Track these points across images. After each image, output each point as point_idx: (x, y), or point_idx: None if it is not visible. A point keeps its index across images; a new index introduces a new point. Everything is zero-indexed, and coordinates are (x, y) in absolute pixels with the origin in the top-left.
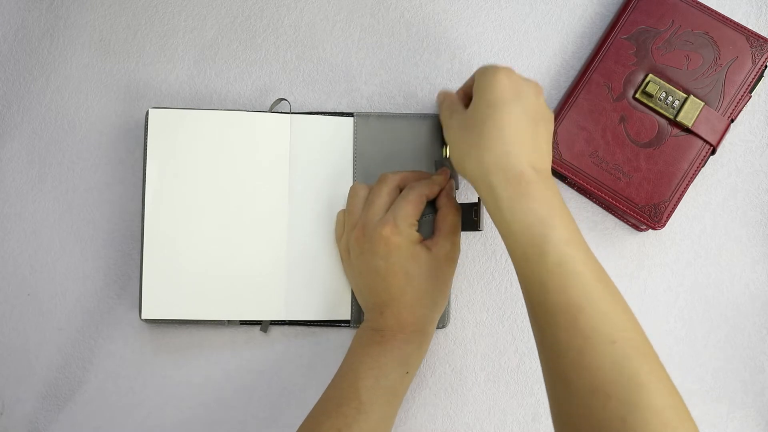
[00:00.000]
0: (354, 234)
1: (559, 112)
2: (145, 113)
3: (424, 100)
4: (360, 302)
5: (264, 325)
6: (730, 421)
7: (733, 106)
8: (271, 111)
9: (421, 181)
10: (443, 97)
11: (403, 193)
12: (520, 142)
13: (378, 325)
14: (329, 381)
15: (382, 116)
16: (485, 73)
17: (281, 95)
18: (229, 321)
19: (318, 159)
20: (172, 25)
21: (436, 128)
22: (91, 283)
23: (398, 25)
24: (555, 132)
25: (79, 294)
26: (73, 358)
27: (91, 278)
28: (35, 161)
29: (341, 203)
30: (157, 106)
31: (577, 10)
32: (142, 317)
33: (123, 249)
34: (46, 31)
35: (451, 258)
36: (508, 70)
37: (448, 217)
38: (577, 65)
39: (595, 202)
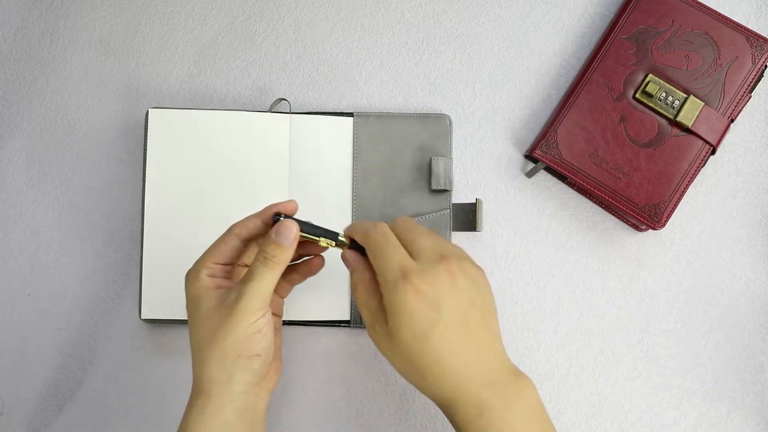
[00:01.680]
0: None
1: (559, 112)
2: (145, 113)
3: (424, 100)
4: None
5: None
6: (730, 421)
7: (733, 106)
8: (271, 111)
9: (265, 252)
10: (356, 280)
11: (251, 268)
12: (467, 364)
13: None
14: (329, 381)
15: (382, 116)
16: (393, 297)
17: (281, 95)
18: None
19: (318, 159)
20: (172, 25)
21: (436, 129)
22: (91, 283)
23: (398, 25)
24: (555, 132)
25: (79, 294)
26: (72, 358)
27: (91, 278)
28: (35, 161)
29: (341, 203)
30: (157, 106)
31: (577, 10)
32: (142, 317)
33: (123, 249)
34: (46, 31)
35: (226, 306)
36: (413, 282)
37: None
38: (577, 65)
39: (595, 202)
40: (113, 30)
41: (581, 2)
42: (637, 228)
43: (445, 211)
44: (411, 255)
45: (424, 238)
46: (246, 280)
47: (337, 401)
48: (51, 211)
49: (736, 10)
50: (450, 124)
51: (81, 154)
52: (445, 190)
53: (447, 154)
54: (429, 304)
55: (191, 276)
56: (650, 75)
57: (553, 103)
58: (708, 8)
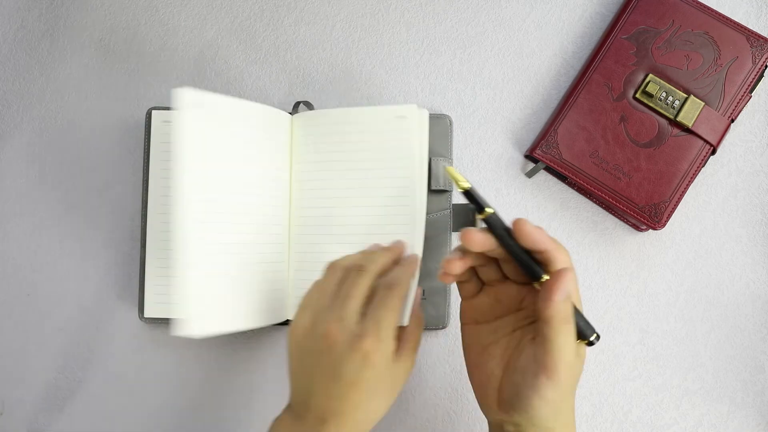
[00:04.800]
0: (327, 329)
1: (559, 112)
2: (145, 113)
3: (424, 100)
4: (296, 393)
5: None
6: (730, 421)
7: (733, 106)
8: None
9: (398, 277)
10: (566, 320)
11: (382, 295)
12: None
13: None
14: None
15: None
16: (560, 339)
17: (281, 95)
18: None
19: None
20: (172, 25)
21: (436, 129)
22: (91, 283)
23: (398, 24)
24: (555, 132)
25: (79, 294)
26: (73, 358)
27: (91, 278)
28: (35, 161)
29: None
30: (157, 106)
31: (577, 10)
32: (144, 316)
33: (123, 249)
34: (46, 31)
35: (408, 373)
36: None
37: (416, 331)
38: (577, 65)
39: (595, 202)
40: (113, 30)
41: (581, 2)
42: (637, 228)
43: (445, 212)
44: None
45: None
46: (417, 348)
47: None
48: (51, 211)
49: (736, 10)
50: (450, 124)
51: (81, 154)
52: (445, 191)
53: (447, 154)
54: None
55: (374, 344)
56: (650, 75)
57: (553, 103)
58: (708, 8)
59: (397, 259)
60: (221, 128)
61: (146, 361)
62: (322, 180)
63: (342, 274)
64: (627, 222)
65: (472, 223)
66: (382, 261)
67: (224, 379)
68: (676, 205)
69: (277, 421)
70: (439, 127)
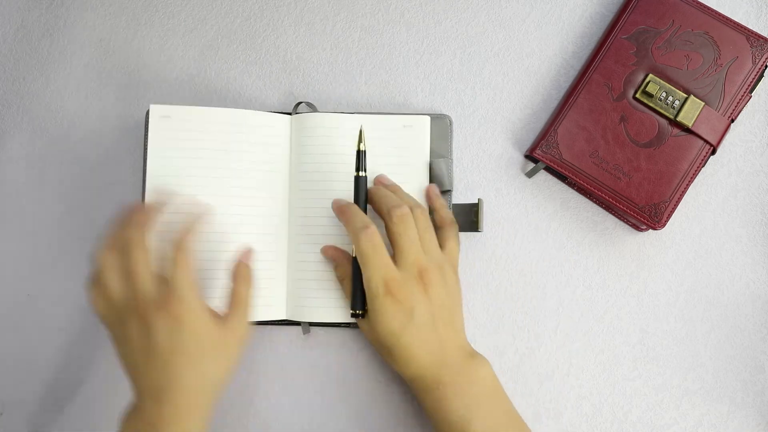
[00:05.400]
0: (130, 308)
1: (560, 112)
2: (145, 113)
3: (424, 100)
4: (132, 385)
5: (304, 326)
6: (730, 421)
7: (733, 106)
8: (294, 113)
9: (180, 232)
10: (342, 275)
11: (169, 256)
12: (429, 352)
13: (152, 419)
14: (329, 382)
15: (382, 116)
16: (374, 303)
17: (281, 95)
18: None
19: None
20: (172, 25)
21: (436, 129)
22: None
23: (398, 25)
24: (555, 132)
25: (79, 294)
26: (73, 358)
27: None
28: (35, 161)
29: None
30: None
31: (577, 10)
32: None
33: None
34: (46, 31)
35: (241, 336)
36: (392, 293)
37: (241, 290)
38: (577, 65)
39: (595, 202)
40: (113, 30)
41: (581, 2)
42: (637, 228)
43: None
44: (396, 259)
45: (409, 248)
46: (244, 309)
47: (336, 403)
48: (51, 211)
49: (736, 10)
50: (450, 124)
51: (81, 154)
52: (446, 191)
53: (447, 154)
54: (404, 311)
55: (179, 304)
56: (650, 75)
57: (553, 103)
58: (708, 8)
59: (156, 207)
60: (193, 137)
61: None
62: (319, 181)
63: (119, 254)
64: (627, 222)
65: (474, 222)
66: (135, 228)
67: None
68: (676, 205)
69: (122, 420)
70: (439, 127)
